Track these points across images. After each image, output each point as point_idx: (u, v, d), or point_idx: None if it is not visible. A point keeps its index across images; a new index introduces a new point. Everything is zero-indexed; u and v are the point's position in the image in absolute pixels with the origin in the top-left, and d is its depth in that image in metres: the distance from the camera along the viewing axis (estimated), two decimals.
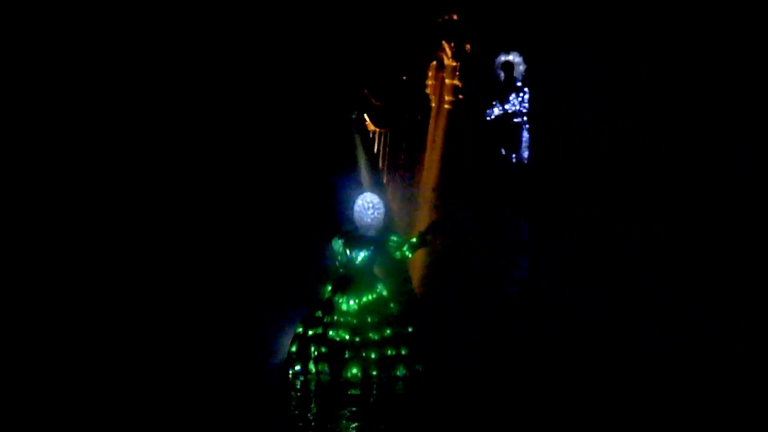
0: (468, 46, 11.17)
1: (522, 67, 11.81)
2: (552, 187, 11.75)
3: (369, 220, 9.23)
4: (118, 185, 11.43)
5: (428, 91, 11.05)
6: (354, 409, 7.95)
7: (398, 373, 8.90)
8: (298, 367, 8.89)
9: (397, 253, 9.23)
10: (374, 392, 8.57)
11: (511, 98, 11.97)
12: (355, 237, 9.22)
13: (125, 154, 11.49)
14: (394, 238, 9.28)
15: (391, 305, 9.14)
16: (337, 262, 9.27)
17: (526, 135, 11.84)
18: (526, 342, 9.76)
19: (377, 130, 10.82)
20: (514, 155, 11.74)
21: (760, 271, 10.85)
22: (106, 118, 11.57)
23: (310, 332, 8.96)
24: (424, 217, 10.68)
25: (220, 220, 11.30)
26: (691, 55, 11.73)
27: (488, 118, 11.76)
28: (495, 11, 11.51)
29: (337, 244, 9.23)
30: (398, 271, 9.74)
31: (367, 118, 10.78)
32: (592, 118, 11.87)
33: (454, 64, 11.09)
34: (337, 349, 8.87)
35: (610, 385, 8.59)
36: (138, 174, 11.47)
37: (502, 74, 11.74)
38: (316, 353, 8.87)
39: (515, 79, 11.86)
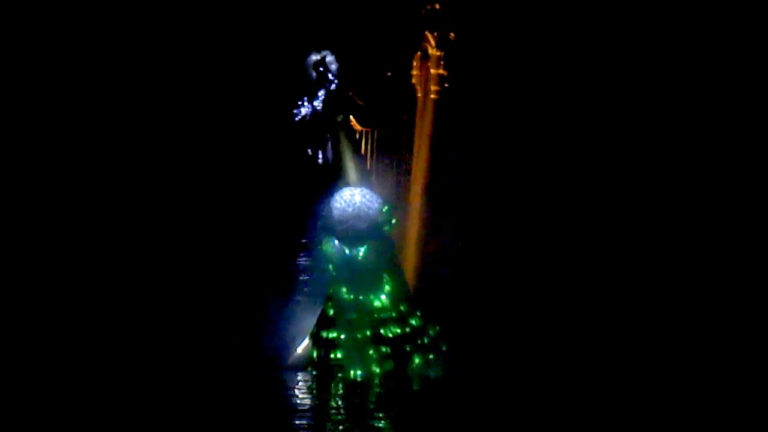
0: (452, 35, 11.41)
1: (334, 66, 11.81)
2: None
3: (374, 213, 9.55)
4: (116, 181, 11.88)
5: (414, 81, 11.36)
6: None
7: (443, 348, 9.40)
8: (359, 372, 9.20)
9: (387, 227, 9.60)
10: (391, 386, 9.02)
11: (320, 95, 11.97)
12: (348, 234, 9.47)
13: (125, 151, 11.97)
14: (379, 218, 9.56)
15: (404, 289, 9.57)
16: (330, 266, 9.50)
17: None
18: (525, 343, 10.08)
19: (363, 129, 11.31)
20: (321, 155, 11.75)
21: (760, 270, 10.89)
22: (102, 118, 12.04)
23: (359, 335, 9.28)
24: (415, 209, 11.15)
25: (212, 219, 11.77)
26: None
27: (296, 118, 11.78)
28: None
29: (329, 246, 9.52)
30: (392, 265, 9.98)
31: (352, 119, 11.30)
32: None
33: (439, 53, 11.36)
34: (397, 344, 9.28)
35: (610, 385, 8.91)
36: (136, 171, 11.97)
37: (314, 74, 11.75)
38: (376, 354, 9.23)
39: (328, 78, 11.83)
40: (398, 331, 9.29)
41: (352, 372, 9.16)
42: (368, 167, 11.24)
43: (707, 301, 10.71)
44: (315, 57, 12.12)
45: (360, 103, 11.26)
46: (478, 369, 9.34)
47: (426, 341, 9.34)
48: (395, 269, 9.80)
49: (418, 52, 11.39)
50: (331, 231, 9.56)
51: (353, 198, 9.57)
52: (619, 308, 10.77)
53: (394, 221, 9.70)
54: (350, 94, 11.27)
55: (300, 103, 12.31)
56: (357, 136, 11.29)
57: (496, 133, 11.81)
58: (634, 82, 11.65)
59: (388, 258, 9.78)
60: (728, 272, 11.16)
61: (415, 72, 11.40)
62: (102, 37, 12.13)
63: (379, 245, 9.58)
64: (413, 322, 9.40)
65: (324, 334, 9.34)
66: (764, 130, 11.49)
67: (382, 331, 9.27)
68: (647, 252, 11.45)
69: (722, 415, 8.20)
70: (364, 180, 10.94)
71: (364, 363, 9.19)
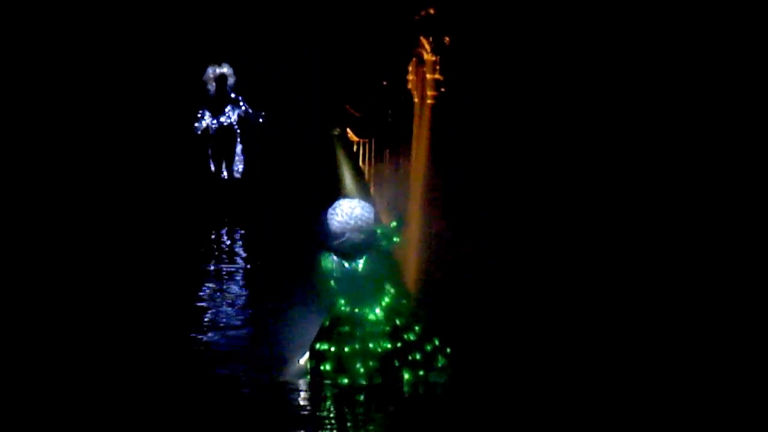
0: (447, 39, 11.28)
1: (232, 80, 11.60)
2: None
3: (371, 224, 9.39)
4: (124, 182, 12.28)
5: (410, 86, 11.28)
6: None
7: (440, 364, 9.25)
8: (345, 380, 9.15)
9: (385, 242, 9.41)
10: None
11: (226, 110, 11.78)
12: (345, 248, 9.30)
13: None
14: (380, 230, 9.42)
15: (404, 301, 9.41)
16: (332, 281, 9.39)
17: (240, 147, 11.64)
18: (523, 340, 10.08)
19: (360, 140, 11.23)
20: (225, 169, 11.55)
21: (760, 270, 10.87)
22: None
23: (347, 348, 9.17)
24: (414, 214, 11.06)
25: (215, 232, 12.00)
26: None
27: (198, 132, 11.61)
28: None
29: (328, 262, 9.40)
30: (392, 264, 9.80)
31: (349, 131, 11.21)
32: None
33: (434, 58, 11.25)
34: (385, 359, 9.16)
35: (609, 386, 8.90)
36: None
37: (214, 85, 11.55)
38: (363, 368, 9.13)
39: (228, 91, 11.63)
40: (388, 346, 9.14)
41: (339, 381, 9.15)
42: (366, 178, 11.19)
43: (707, 301, 10.60)
44: (212, 70, 12.12)
45: (356, 114, 11.19)
46: (477, 371, 9.39)
47: (419, 357, 9.17)
48: (397, 280, 9.63)
49: (414, 58, 11.29)
50: (329, 245, 9.36)
51: (353, 211, 9.39)
52: (620, 308, 10.68)
53: (396, 239, 9.50)
54: (346, 106, 11.19)
55: (199, 115, 12.31)
56: (354, 148, 11.22)
57: (495, 132, 11.80)
58: (631, 83, 11.59)
59: (389, 268, 9.57)
60: (728, 272, 11.12)
61: (410, 77, 11.31)
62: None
63: (379, 256, 9.41)
64: (408, 337, 9.21)
65: (316, 346, 9.27)
66: (764, 130, 11.30)
67: (371, 345, 9.13)
68: (647, 251, 11.37)
69: (722, 415, 8.19)
70: (363, 191, 10.88)
71: (350, 376, 9.11)
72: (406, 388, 9.03)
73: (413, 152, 11.16)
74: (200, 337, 10.60)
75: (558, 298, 10.94)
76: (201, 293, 11.76)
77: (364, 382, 9.05)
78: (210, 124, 12.81)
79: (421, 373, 9.09)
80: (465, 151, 12.42)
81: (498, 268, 11.84)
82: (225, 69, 12.70)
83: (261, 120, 13.47)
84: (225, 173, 12.94)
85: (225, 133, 12.98)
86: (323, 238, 9.48)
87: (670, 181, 12.46)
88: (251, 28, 13.79)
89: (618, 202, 12.53)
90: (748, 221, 12.03)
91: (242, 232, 13.83)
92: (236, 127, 12.86)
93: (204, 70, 12.82)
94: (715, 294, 10.73)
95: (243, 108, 13.04)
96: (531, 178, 12.96)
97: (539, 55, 12.73)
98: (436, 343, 9.22)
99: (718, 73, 12.21)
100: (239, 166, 13.04)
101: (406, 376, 9.06)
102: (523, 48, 12.71)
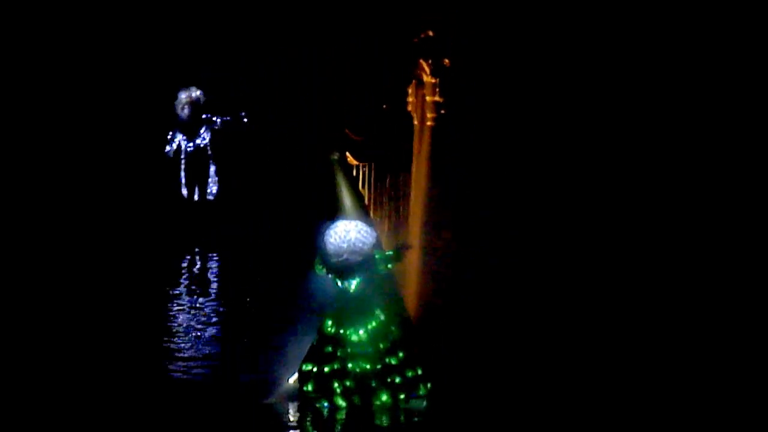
0: (446, 61, 11.23)
1: (203, 100, 11.57)
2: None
3: (368, 248, 9.37)
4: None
5: (409, 108, 11.26)
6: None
7: (421, 393, 9.30)
8: (325, 404, 9.26)
9: (381, 267, 9.47)
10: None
11: (201, 132, 11.76)
12: (340, 266, 9.33)
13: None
14: (378, 255, 9.46)
15: (392, 328, 9.45)
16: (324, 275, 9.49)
17: (213, 168, 11.65)
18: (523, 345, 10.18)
19: (359, 164, 11.22)
20: (197, 191, 11.58)
21: (760, 271, 10.87)
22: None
23: (327, 368, 9.28)
24: (414, 235, 11.14)
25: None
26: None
27: (169, 156, 11.62)
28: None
29: (320, 269, 9.47)
30: (388, 290, 9.87)
31: (348, 155, 11.20)
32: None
33: (434, 80, 11.21)
34: (362, 380, 9.24)
35: (608, 387, 9.00)
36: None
37: (187, 110, 11.55)
38: (340, 388, 9.25)
39: (201, 114, 11.61)
40: (367, 367, 9.23)
41: (319, 402, 9.25)
42: (366, 201, 11.22)
43: (707, 302, 10.71)
44: (187, 94, 12.11)
45: (356, 138, 11.16)
46: (474, 374, 9.61)
47: (398, 381, 9.23)
48: (389, 307, 9.69)
49: (413, 80, 11.26)
50: (325, 262, 9.44)
51: (348, 234, 9.38)
52: (620, 308, 10.75)
53: (391, 265, 9.56)
54: (345, 130, 11.17)
55: (169, 137, 12.31)
56: (354, 172, 11.21)
57: (495, 132, 11.88)
58: (630, 83, 11.58)
59: (381, 294, 9.67)
60: (728, 272, 11.19)
61: (410, 99, 11.29)
62: None
63: (374, 280, 9.47)
64: (390, 361, 9.31)
65: (302, 367, 9.41)
66: (764, 130, 11.31)
67: (350, 365, 9.24)
68: (648, 252, 11.45)
69: (722, 415, 8.27)
70: (363, 215, 10.92)
71: (329, 396, 9.22)
72: (381, 413, 9.11)
73: (413, 174, 11.19)
74: (191, 354, 10.67)
75: (558, 298, 11.03)
76: (192, 315, 11.83)
77: (342, 403, 9.18)
78: (184, 147, 12.82)
79: (401, 396, 9.18)
80: (465, 151, 12.45)
81: (498, 268, 11.91)
82: (197, 92, 12.67)
83: (245, 120, 13.41)
84: (197, 196, 12.96)
85: (198, 155, 12.98)
86: (321, 254, 9.53)
87: (670, 182, 12.47)
88: (250, 28, 13.66)
89: (618, 203, 12.56)
90: (748, 221, 12.05)
91: (237, 243, 13.85)
92: (209, 148, 12.82)
93: (176, 95, 12.80)
94: (714, 294, 10.79)
95: (218, 121, 13.02)
96: (531, 179, 12.98)
97: (539, 56, 12.69)
98: (419, 372, 9.29)
99: (718, 73, 12.14)
100: (213, 188, 13.02)
101: (384, 398, 9.16)
102: (523, 48, 12.66)
